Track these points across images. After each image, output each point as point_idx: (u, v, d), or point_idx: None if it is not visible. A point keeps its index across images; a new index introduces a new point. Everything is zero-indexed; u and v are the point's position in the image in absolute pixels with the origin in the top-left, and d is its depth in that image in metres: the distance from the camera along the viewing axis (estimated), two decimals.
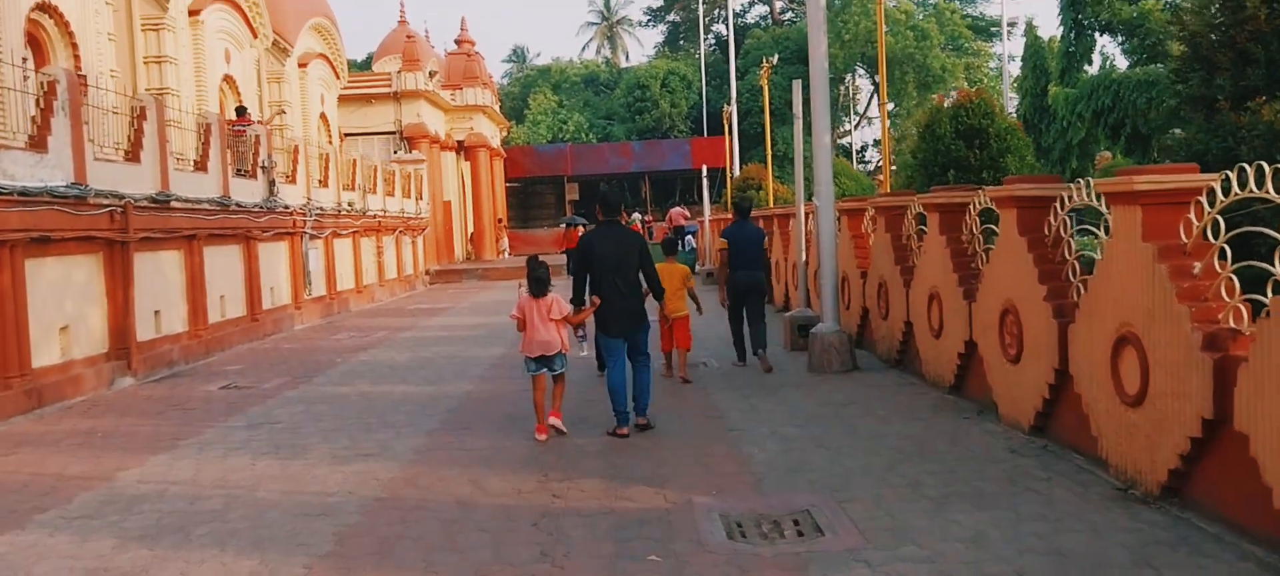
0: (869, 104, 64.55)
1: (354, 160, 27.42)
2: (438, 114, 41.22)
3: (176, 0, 21.39)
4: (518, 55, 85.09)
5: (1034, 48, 35.13)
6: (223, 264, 17.88)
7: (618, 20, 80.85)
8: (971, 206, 9.36)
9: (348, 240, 25.88)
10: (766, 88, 27.11)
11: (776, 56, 31.47)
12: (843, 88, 60.85)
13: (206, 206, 16.93)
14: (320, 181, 24.43)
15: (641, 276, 8.91)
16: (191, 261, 16.38)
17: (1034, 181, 8.14)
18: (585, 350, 10.74)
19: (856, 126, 63.62)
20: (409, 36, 40.03)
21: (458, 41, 45.99)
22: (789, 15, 68.21)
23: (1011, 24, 48.15)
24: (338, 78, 32.90)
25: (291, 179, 21.99)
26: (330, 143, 31.11)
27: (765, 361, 11.80)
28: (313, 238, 22.54)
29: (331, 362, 14.67)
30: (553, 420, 8.66)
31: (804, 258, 13.87)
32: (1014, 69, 53.99)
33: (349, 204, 25.83)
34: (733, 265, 12.23)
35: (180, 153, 17.58)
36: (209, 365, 15.23)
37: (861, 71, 59.02)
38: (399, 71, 38.13)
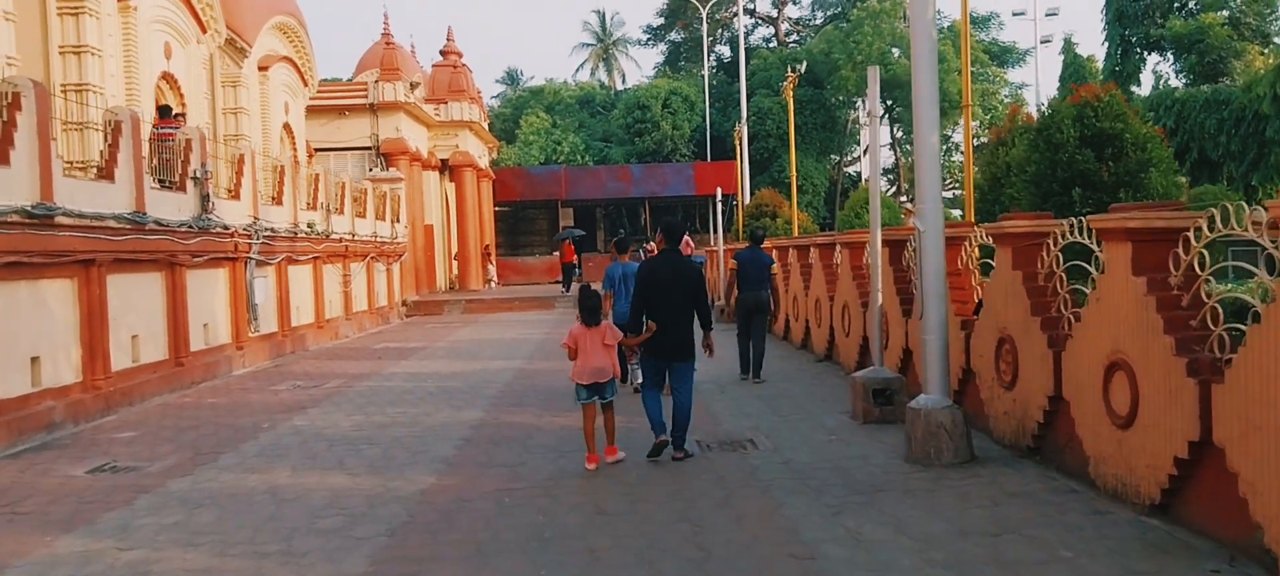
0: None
1: (316, 175, 24.06)
2: (419, 129, 37.89)
3: None
4: (511, 78, 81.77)
5: (1073, 66, 32.07)
6: (137, 296, 14.50)
7: (613, 41, 77.67)
8: (1192, 234, 6.04)
9: (307, 267, 22.47)
10: (791, 102, 23.92)
11: (804, 64, 28.26)
12: (854, 113, 57.67)
13: (112, 224, 13.52)
14: (273, 198, 21.05)
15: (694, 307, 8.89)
16: (89, 293, 12.98)
17: None
18: (641, 377, 9.82)
19: (865, 153, 60.39)
20: (388, 43, 36.73)
21: (443, 52, 42.62)
22: (794, 38, 65.21)
23: (1045, 41, 45.13)
24: (305, 85, 29.48)
25: (235, 194, 18.61)
26: (295, 156, 27.75)
27: (758, 381, 13.42)
28: (260, 264, 19.14)
29: (255, 428, 11.25)
30: (609, 457, 8.62)
31: (879, 300, 10.49)
32: (1045, 88, 51.21)
33: (309, 225, 22.44)
34: (741, 286, 13.84)
35: (83, 160, 14.25)
36: (100, 429, 11.79)
37: None
38: (376, 81, 34.80)
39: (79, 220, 12.62)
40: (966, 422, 8.09)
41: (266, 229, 19.55)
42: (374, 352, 20.03)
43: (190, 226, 16.07)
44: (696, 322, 8.88)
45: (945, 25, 57.07)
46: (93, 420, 12.39)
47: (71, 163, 15.97)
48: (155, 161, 15.66)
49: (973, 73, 54.68)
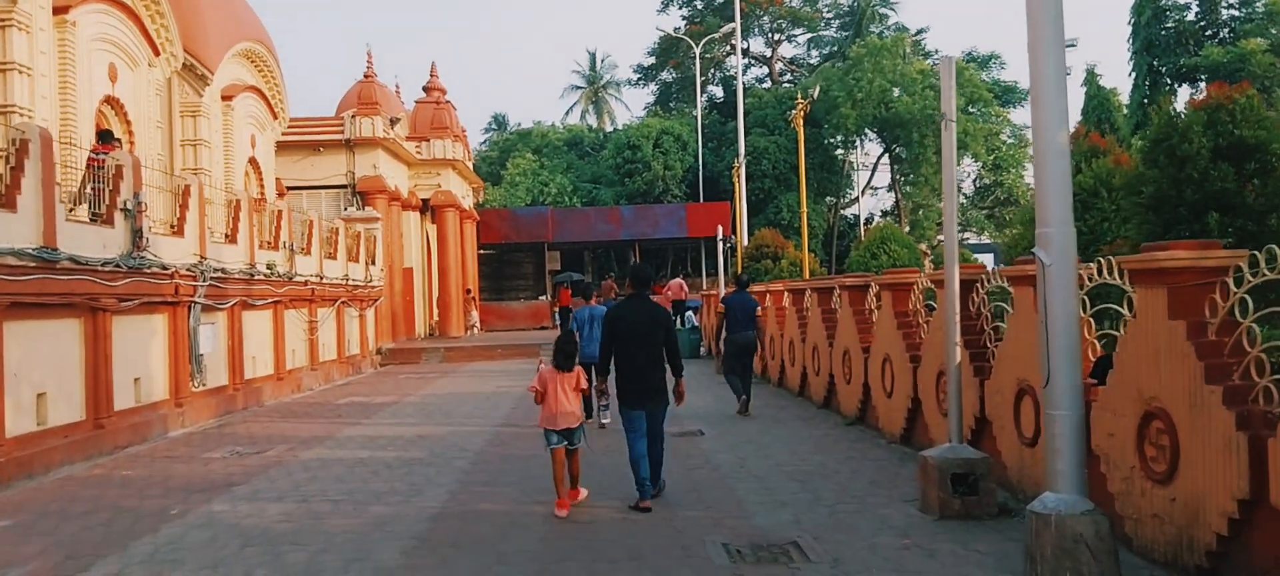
0: (874, 172, 59.44)
1: (279, 212, 21.80)
2: (399, 167, 35.72)
3: None
4: (498, 122, 79.73)
5: (1096, 99, 30.03)
6: (45, 347, 12.22)
7: (603, 84, 75.86)
8: None
9: (265, 313, 20.17)
10: (801, 132, 21.81)
11: (817, 89, 26.19)
12: (853, 153, 55.78)
13: (10, 261, 11.25)
14: (227, 236, 18.78)
15: (665, 352, 8.87)
16: None
17: None
18: (608, 419, 9.88)
19: (863, 193, 58.39)
20: (368, 77, 34.61)
21: (426, 88, 40.49)
22: (788, 78, 63.40)
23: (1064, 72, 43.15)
24: (275, 118, 27.26)
25: (178, 230, 16.33)
26: (262, 193, 25.53)
27: (744, 406, 14.62)
28: (207, 309, 16.85)
29: (161, 515, 8.91)
30: (573, 499, 8.58)
31: (956, 358, 8.19)
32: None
33: (269, 266, 20.14)
34: (729, 328, 15.05)
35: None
36: None
37: (872, 136, 53.84)
38: (353, 116, 32.64)
39: None
40: (1113, 536, 5.81)
41: (216, 270, 17.27)
42: (335, 410, 17.66)
43: (118, 266, 13.78)
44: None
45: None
46: None
47: None
48: (88, 191, 13.37)
49: (976, 113, 52.97)
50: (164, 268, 15.23)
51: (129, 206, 14.28)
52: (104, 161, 14.46)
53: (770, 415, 14.71)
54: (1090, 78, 30.31)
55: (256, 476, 10.82)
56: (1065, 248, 5.93)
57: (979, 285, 9.26)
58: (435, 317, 39.12)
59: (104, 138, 15.39)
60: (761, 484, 9.45)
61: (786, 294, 18.35)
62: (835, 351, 14.32)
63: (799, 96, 23.32)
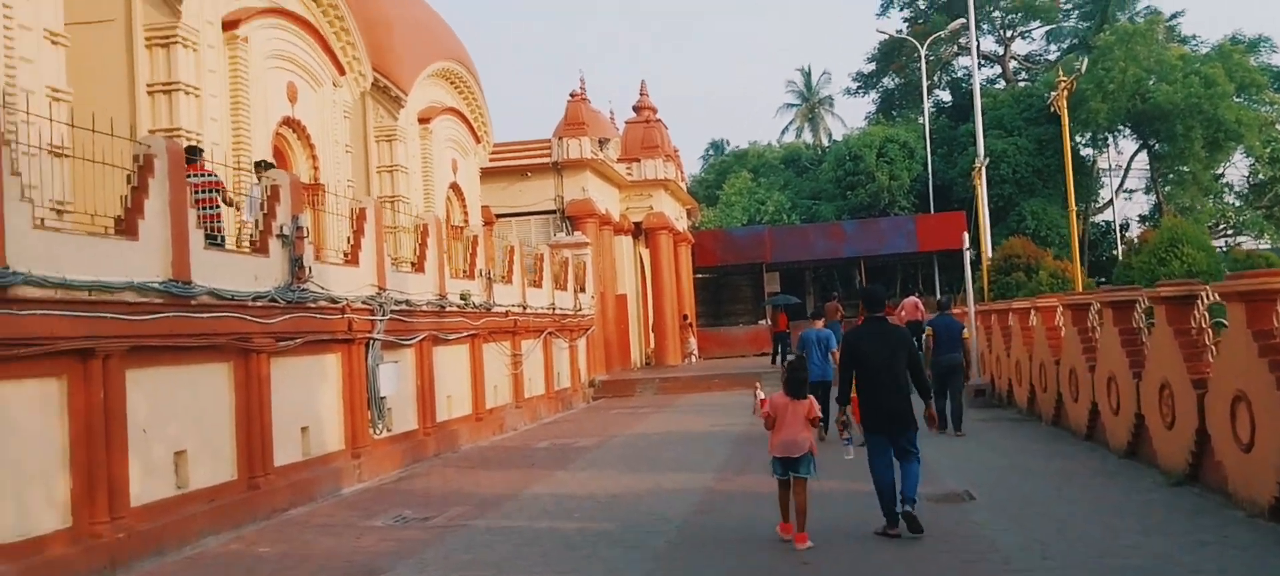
0: (1126, 174, 53.16)
1: (475, 237, 20.05)
2: (609, 190, 33.87)
3: (194, 5, 14.63)
4: (715, 148, 77.30)
5: None
6: (181, 396, 10.58)
7: (819, 99, 72.34)
8: None
9: (461, 347, 18.35)
10: (1065, 114, 18.27)
11: (1083, 63, 22.52)
12: (1105, 153, 50.25)
13: (128, 299, 9.55)
14: (413, 265, 17.08)
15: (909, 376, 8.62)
16: (87, 397, 9.02)
17: None
18: (851, 454, 8.92)
19: (1117, 195, 52.35)
20: (575, 96, 32.94)
21: (636, 107, 38.60)
22: (1022, 77, 58.18)
23: None
24: (478, 141, 25.79)
25: (351, 259, 14.63)
26: (466, 220, 24.10)
27: (960, 432, 14.93)
28: (389, 345, 15.06)
29: None
30: (799, 545, 8.15)
31: None
32: None
33: (463, 296, 18.34)
34: (938, 350, 15.53)
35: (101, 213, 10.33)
36: None
37: (1126, 132, 48.09)
38: (560, 138, 31.00)
39: (60, 291, 8.67)
40: None
41: (399, 302, 15.51)
42: (530, 456, 15.54)
43: (273, 300, 12.05)
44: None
45: (1206, 48, 49.11)
46: None
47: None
48: (198, 216, 11.44)
49: (1247, 101, 46.44)
50: (333, 301, 13.50)
51: (286, 232, 12.56)
52: (219, 184, 12.62)
53: (1055, 468, 11.50)
54: None
55: (405, 559, 8.64)
56: None
57: None
58: (651, 346, 37.04)
59: (191, 155, 12.49)
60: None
61: (1062, 310, 14.97)
62: (1145, 384, 10.94)
63: (1060, 73, 19.74)
